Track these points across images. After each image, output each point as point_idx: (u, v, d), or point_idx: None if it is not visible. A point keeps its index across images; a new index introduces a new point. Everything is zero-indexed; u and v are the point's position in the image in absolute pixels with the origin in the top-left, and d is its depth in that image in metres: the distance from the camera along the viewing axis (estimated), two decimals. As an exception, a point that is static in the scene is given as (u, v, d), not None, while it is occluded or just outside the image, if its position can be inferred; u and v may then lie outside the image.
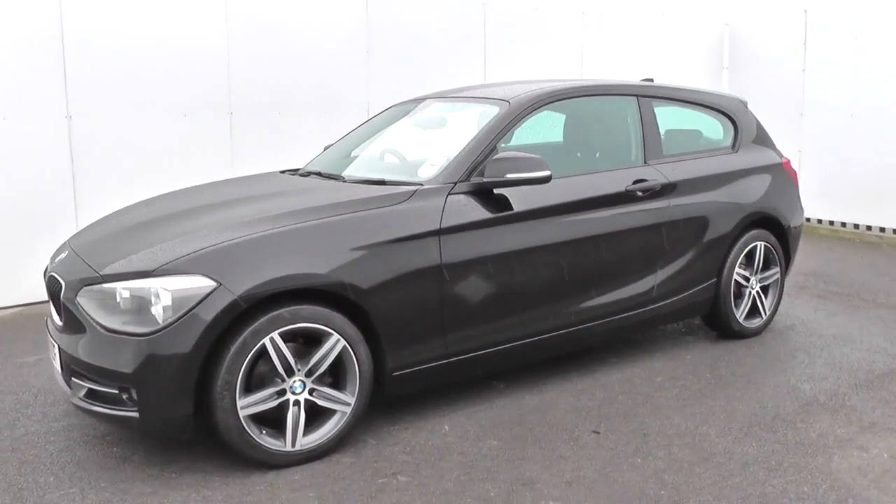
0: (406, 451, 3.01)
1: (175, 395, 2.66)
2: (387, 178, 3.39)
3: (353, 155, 4.03)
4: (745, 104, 4.58)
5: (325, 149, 4.57)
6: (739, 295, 4.27)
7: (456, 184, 3.23)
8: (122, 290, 2.70)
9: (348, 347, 2.89)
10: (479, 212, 3.22)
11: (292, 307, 2.77)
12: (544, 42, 7.59)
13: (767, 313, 4.41)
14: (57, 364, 3.00)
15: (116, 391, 2.72)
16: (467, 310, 3.19)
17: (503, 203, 3.30)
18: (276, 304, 2.76)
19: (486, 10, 7.13)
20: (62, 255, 3.18)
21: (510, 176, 3.18)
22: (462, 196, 3.22)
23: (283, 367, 2.79)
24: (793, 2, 8.23)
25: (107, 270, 2.79)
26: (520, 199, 3.34)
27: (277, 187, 3.53)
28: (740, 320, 4.27)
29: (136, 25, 5.49)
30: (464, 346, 3.22)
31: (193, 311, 2.62)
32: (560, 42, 7.72)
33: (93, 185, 5.46)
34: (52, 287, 3.06)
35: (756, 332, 4.37)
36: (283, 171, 4.29)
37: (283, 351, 2.78)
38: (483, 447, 3.03)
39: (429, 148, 3.75)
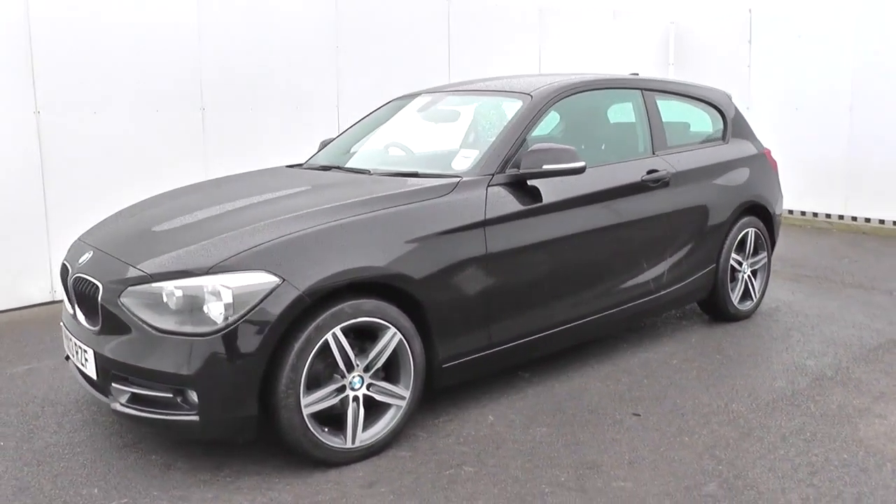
0: (460, 442, 3.01)
1: (239, 396, 2.57)
2: (420, 170, 3.38)
3: (367, 148, 3.99)
4: (729, 97, 4.80)
5: (323, 143, 4.50)
6: (733, 279, 4.48)
7: (493, 175, 3.26)
8: (176, 288, 2.59)
9: (404, 341, 2.87)
10: (516, 203, 3.26)
11: (353, 301, 2.73)
12: (505, 38, 7.68)
13: (757, 296, 4.64)
14: (90, 369, 2.84)
15: (170, 394, 2.61)
16: (509, 299, 3.22)
17: (535, 194, 3.35)
18: (337, 298, 2.71)
19: (450, 6, 7.16)
20: (86, 255, 3.01)
21: (547, 167, 3.23)
22: (499, 188, 3.25)
23: (343, 362, 2.74)
24: (738, 1, 8.65)
25: (155, 269, 2.66)
26: (549, 191, 3.40)
27: (305, 181, 3.46)
28: (735, 304, 4.48)
29: (107, 16, 5.22)
30: (505, 335, 3.25)
31: (257, 308, 2.55)
32: (520, 38, 7.83)
33: (63, 183, 5.17)
34: (82, 289, 2.89)
35: (748, 315, 4.59)
36: (290, 166, 4.21)
37: (345, 346, 2.73)
38: (534, 435, 3.07)
39: (448, 140, 3.77)
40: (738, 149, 4.57)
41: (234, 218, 2.92)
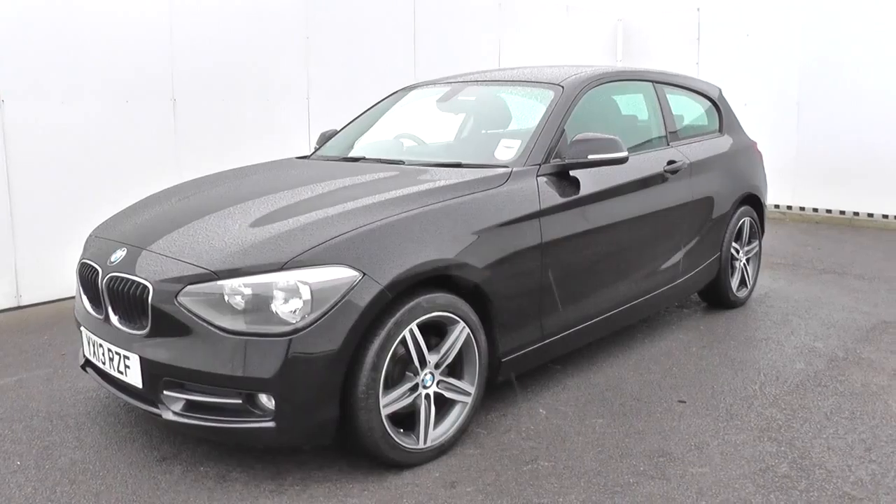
0: (523, 437, 2.96)
1: (320, 399, 2.42)
2: (463, 160, 3.29)
3: (388, 139, 3.86)
4: (720, 90, 4.94)
5: (325, 135, 4.32)
6: (732, 268, 4.62)
7: (540, 165, 3.22)
8: (245, 286, 2.40)
9: (471, 335, 2.79)
10: (563, 192, 3.23)
11: (428, 296, 2.62)
12: (467, 30, 7.65)
13: (751, 283, 4.81)
14: (132, 377, 2.60)
15: (239, 400, 2.43)
16: (559, 289, 3.19)
17: (577, 184, 3.33)
18: (412, 293, 2.60)
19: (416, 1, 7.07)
20: (119, 253, 2.75)
21: (592, 157, 3.21)
22: (545, 178, 3.21)
23: (418, 359, 2.63)
24: (687, 0, 8.95)
25: (220, 266, 2.46)
26: (588, 181, 3.39)
27: (343, 173, 3.30)
28: (734, 291, 4.63)
29: (74, 2, 4.85)
30: (556, 326, 3.22)
31: (339, 305, 2.40)
32: (481, 30, 7.81)
33: (29, 176, 4.75)
34: (122, 289, 2.64)
35: (743, 302, 4.75)
36: (302, 158, 4.04)
37: (420, 343, 2.62)
38: (592, 426, 3.06)
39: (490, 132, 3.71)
40: (733, 140, 4.72)
41: (290, 210, 2.74)
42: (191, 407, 2.52)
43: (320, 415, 2.44)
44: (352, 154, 3.76)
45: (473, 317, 2.79)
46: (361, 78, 6.65)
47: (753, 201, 4.74)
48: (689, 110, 4.51)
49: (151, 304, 2.51)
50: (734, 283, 4.62)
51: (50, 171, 4.86)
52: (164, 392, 2.53)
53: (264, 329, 2.38)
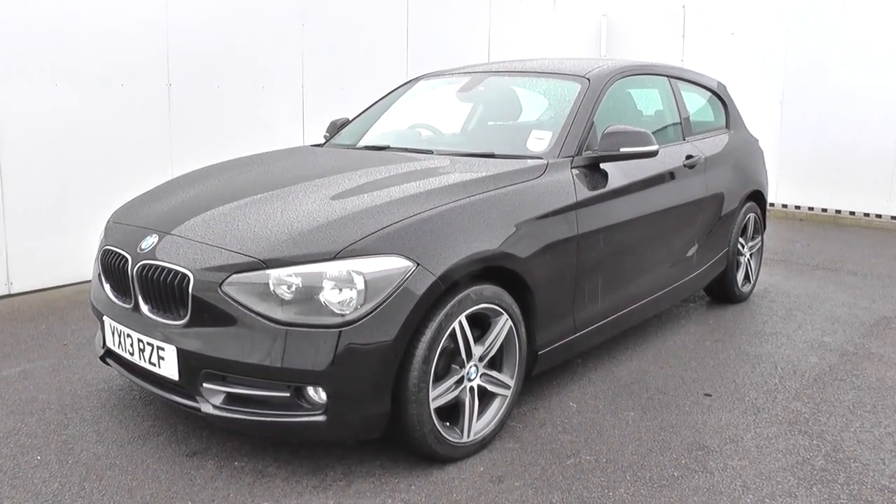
0: (559, 431, 2.94)
1: (374, 392, 2.36)
2: (495, 151, 3.24)
3: (409, 128, 3.79)
4: (725, 87, 4.99)
5: (336, 123, 4.22)
6: (737, 263, 4.68)
7: (573, 157, 3.19)
8: (296, 275, 2.33)
9: (513, 328, 2.76)
10: (595, 185, 3.21)
11: (476, 287, 2.58)
12: (458, 22, 7.59)
13: (754, 278, 4.88)
14: (167, 369, 2.50)
15: (287, 394, 2.35)
16: (590, 283, 3.18)
17: (606, 176, 3.31)
18: (461, 284, 2.55)
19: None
20: (150, 240, 2.64)
21: (624, 150, 3.19)
22: (578, 170, 3.18)
23: (465, 352, 2.59)
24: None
25: (269, 255, 2.37)
26: (616, 173, 3.38)
27: (367, 161, 3.22)
28: (740, 286, 4.69)
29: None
30: (587, 319, 3.21)
31: (394, 295, 2.34)
32: (471, 23, 7.76)
33: (17, 160, 4.55)
34: (156, 278, 2.53)
35: (747, 297, 4.82)
36: (315, 145, 3.95)
37: (468, 335, 2.58)
38: (625, 419, 3.05)
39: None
40: (739, 137, 4.77)
41: (334, 198, 2.65)
42: (232, 400, 2.43)
43: (372, 408, 2.38)
44: (374, 143, 3.68)
45: (516, 309, 2.76)
46: (355, 67, 6.54)
47: (758, 197, 4.80)
48: (699, 106, 4.54)
49: (192, 294, 2.41)
50: (739, 277, 4.67)
51: (41, 155, 4.66)
52: (204, 385, 2.43)
53: (316, 320, 2.31)
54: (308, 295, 2.32)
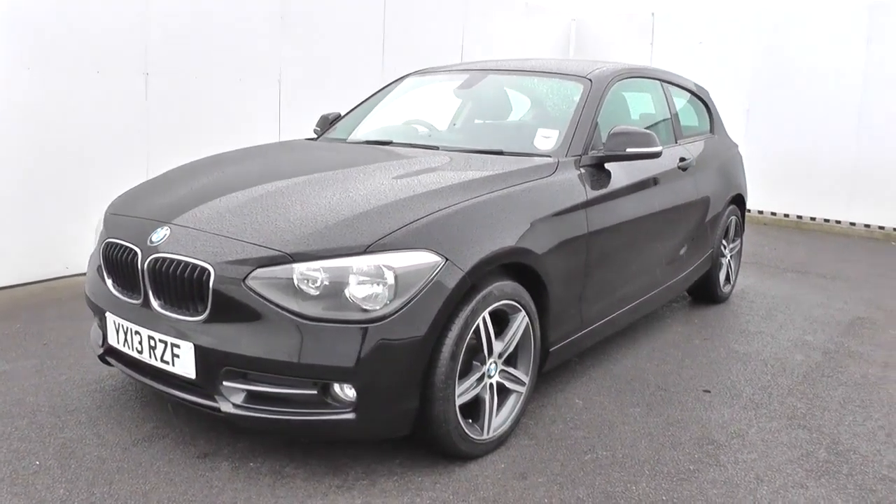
0: (571, 427, 2.96)
1: (403, 389, 2.33)
2: (504, 148, 3.25)
3: (410, 124, 3.77)
4: (708, 93, 5.11)
5: (328, 118, 4.15)
6: (720, 264, 4.79)
7: (581, 157, 3.22)
8: (324, 269, 2.28)
9: (529, 324, 2.76)
10: (601, 184, 3.25)
11: (498, 283, 2.57)
12: (433, 23, 7.59)
13: (734, 279, 5.01)
14: (182, 366, 2.41)
15: (314, 391, 2.30)
16: (597, 280, 3.21)
17: (610, 176, 3.35)
18: (484, 280, 2.54)
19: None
20: (162, 233, 2.54)
21: (630, 150, 3.24)
22: (585, 169, 3.22)
23: (487, 348, 2.58)
24: (641, 5, 9.22)
25: (295, 248, 2.32)
26: (619, 173, 3.42)
27: (377, 156, 3.19)
28: (721, 286, 4.80)
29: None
30: (593, 315, 3.24)
31: (424, 290, 2.31)
32: (445, 24, 7.77)
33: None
34: (172, 272, 2.44)
35: (727, 297, 4.94)
36: (310, 139, 3.88)
37: (490, 331, 2.57)
38: (633, 415, 3.09)
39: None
40: (723, 141, 4.89)
41: (353, 192, 2.61)
42: (253, 399, 2.37)
43: (401, 405, 2.35)
44: (375, 138, 3.64)
45: (532, 306, 2.77)
46: (333, 62, 6.47)
47: (739, 201, 4.93)
48: (687, 110, 4.63)
49: (213, 288, 2.34)
50: (721, 278, 4.79)
51: (9, 146, 4.46)
52: (224, 383, 2.36)
53: (346, 315, 2.27)
54: (337, 290, 2.28)
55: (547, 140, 3.30)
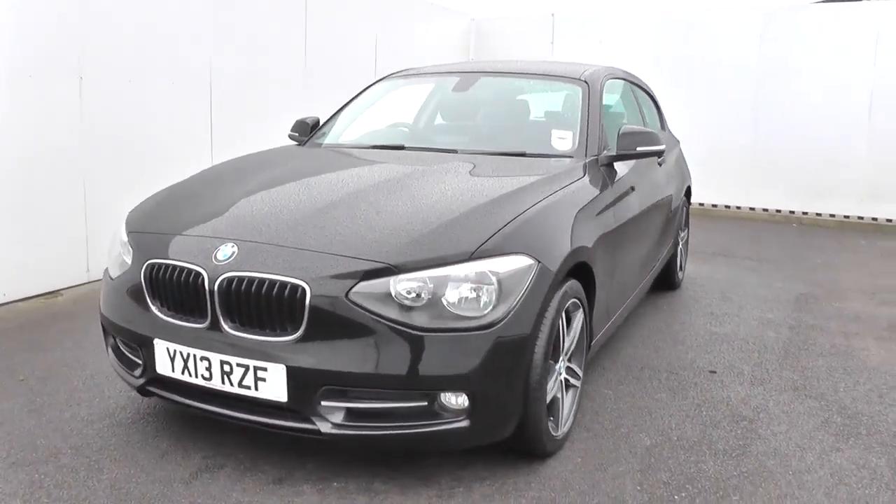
0: (616, 416, 3.06)
1: (511, 392, 2.33)
2: (527, 150, 3.30)
3: (415, 127, 3.74)
4: (653, 90, 5.42)
5: (308, 124, 4.00)
6: (677, 252, 5.11)
7: (598, 156, 3.34)
8: (429, 279, 2.24)
9: (584, 320, 2.85)
10: (614, 182, 3.38)
11: (569, 282, 2.63)
12: (351, 24, 7.51)
13: (684, 267, 5.35)
14: (272, 390, 2.27)
15: (424, 402, 2.26)
16: (619, 272, 3.34)
17: (617, 173, 3.50)
18: (563, 280, 2.59)
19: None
20: (227, 249, 2.37)
21: (640, 149, 3.40)
22: (602, 168, 3.34)
23: (561, 347, 2.63)
24: (541, 5, 9.57)
25: (399, 259, 2.25)
26: (624, 171, 3.58)
27: (405, 160, 3.15)
28: (678, 272, 5.13)
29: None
30: (613, 308, 3.36)
31: (525, 294, 2.33)
32: (362, 25, 7.70)
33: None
34: (256, 292, 2.29)
35: (680, 283, 5.28)
36: (300, 146, 3.77)
37: (564, 330, 2.62)
38: (662, 400, 3.24)
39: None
40: (672, 137, 5.22)
41: (420, 199, 2.57)
42: (352, 416, 2.28)
43: (509, 409, 2.36)
44: (383, 143, 3.57)
45: (586, 303, 2.85)
46: (261, 63, 6.24)
47: (688, 192, 5.28)
48: (648, 107, 4.90)
49: (310, 305, 2.22)
50: (677, 266, 5.12)
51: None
52: (322, 403, 2.26)
53: (455, 323, 2.24)
54: (443, 298, 2.25)
55: (563, 141, 3.39)
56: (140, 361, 2.60)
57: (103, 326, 2.87)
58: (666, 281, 5.07)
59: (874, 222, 7.89)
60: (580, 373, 2.88)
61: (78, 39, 4.62)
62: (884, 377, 3.61)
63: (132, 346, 2.64)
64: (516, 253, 2.36)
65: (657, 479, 2.57)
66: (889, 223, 7.82)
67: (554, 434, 2.62)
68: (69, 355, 3.65)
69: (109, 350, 2.87)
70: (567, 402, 2.82)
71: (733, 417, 3.10)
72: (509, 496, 2.43)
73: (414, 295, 2.24)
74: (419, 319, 2.22)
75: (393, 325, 2.21)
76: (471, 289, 2.26)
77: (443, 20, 9.36)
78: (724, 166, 8.44)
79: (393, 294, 2.24)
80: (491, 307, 2.27)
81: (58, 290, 4.65)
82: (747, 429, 3.00)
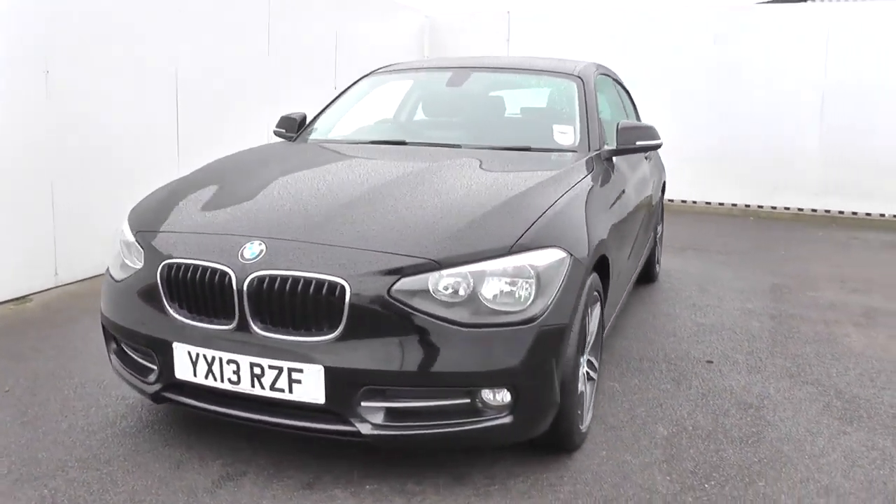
0: (629, 408, 3.08)
1: (551, 387, 2.32)
2: (532, 145, 3.30)
3: (411, 121, 3.69)
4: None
5: (294, 120, 3.89)
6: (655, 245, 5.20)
7: (600, 150, 3.37)
8: (470, 274, 2.21)
9: (601, 313, 2.86)
10: (617, 175, 3.42)
11: (592, 275, 2.63)
12: (314, 21, 7.38)
13: (660, 260, 5.46)
14: (309, 392, 2.20)
15: (467, 399, 2.22)
16: (619, 266, 3.37)
17: (616, 167, 3.54)
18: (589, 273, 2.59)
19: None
20: (255, 248, 2.28)
21: (640, 143, 3.44)
22: (606, 161, 3.37)
23: (587, 340, 2.64)
24: (496, 2, 9.61)
25: (440, 255, 2.21)
26: (621, 164, 3.62)
27: (418, 157, 3.10)
28: (657, 266, 5.23)
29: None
30: (614, 300, 3.38)
31: (561, 287, 2.32)
32: (322, 21, 7.58)
33: None
34: (289, 290, 2.21)
35: (657, 276, 5.38)
36: (293, 142, 3.68)
37: (588, 323, 2.63)
38: (669, 391, 3.29)
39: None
40: (648, 133, 5.30)
41: (448, 194, 2.53)
42: (392, 416, 2.23)
43: (548, 403, 2.34)
44: (384, 138, 3.51)
45: (602, 296, 2.86)
46: (232, 60, 6.07)
47: (664, 187, 5.38)
48: (626, 102, 4.97)
49: (350, 304, 2.16)
50: (655, 259, 5.21)
51: None
52: (362, 403, 2.20)
53: (498, 318, 2.21)
54: (481, 293, 2.21)
55: (565, 136, 3.40)
56: (154, 367, 2.48)
57: (106, 330, 2.73)
58: (646, 274, 5.15)
59: (827, 214, 8.22)
60: (598, 365, 2.90)
61: (44, 39, 4.39)
62: (870, 361, 3.76)
63: (144, 351, 2.52)
64: (551, 246, 2.35)
65: (684, 469, 2.60)
66: (841, 215, 8.16)
67: (581, 428, 2.63)
68: (52, 364, 3.46)
69: (112, 356, 2.73)
70: (587, 396, 2.83)
71: (740, 405, 3.17)
72: (546, 492, 2.41)
73: (451, 290, 2.20)
74: (461, 314, 2.19)
75: (436, 321, 2.17)
76: (507, 283, 2.24)
77: (396, 19, 9.28)
78: (683, 163, 8.63)
79: (432, 290, 2.20)
80: (531, 301, 2.26)
81: (27, 296, 4.41)
82: (756, 416, 3.07)
